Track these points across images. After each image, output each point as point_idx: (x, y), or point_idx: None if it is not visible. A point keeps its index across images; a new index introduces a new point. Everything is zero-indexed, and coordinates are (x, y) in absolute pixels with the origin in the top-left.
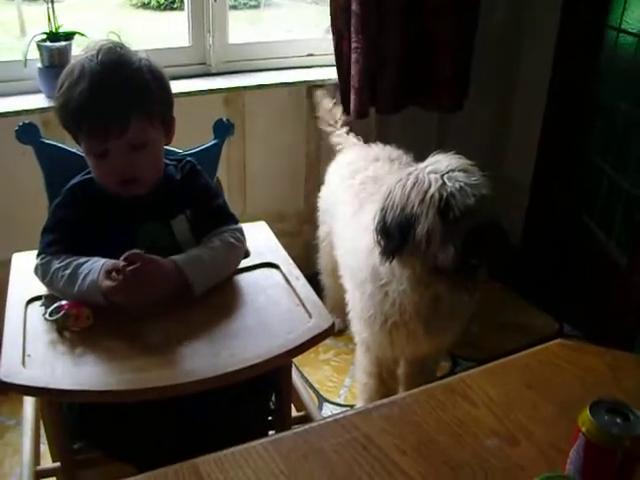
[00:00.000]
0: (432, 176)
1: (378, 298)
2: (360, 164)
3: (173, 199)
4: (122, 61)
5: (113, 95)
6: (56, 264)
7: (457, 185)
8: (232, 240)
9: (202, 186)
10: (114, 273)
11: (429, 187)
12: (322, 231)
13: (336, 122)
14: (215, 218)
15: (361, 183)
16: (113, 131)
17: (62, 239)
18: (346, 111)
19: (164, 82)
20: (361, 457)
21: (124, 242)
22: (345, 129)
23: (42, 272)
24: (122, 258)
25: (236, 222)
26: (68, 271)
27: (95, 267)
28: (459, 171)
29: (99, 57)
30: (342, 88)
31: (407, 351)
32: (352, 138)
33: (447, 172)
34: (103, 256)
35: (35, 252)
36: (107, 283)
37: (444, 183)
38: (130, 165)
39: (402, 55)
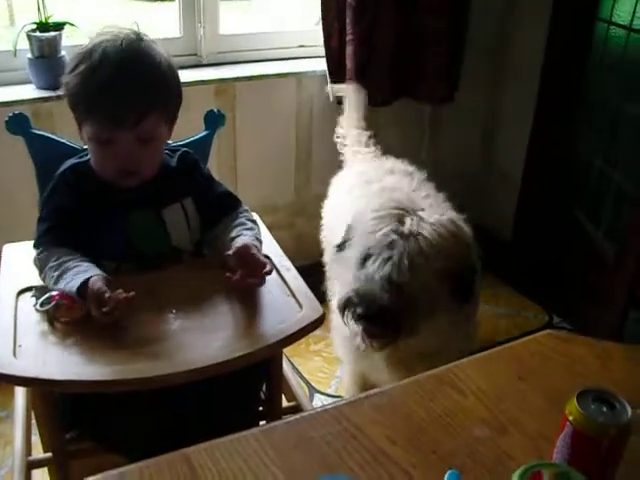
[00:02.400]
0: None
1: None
2: (372, 174)
3: (168, 188)
4: (145, 53)
5: (134, 87)
6: (50, 262)
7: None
8: (254, 222)
9: (205, 175)
10: (106, 308)
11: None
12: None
13: (361, 129)
14: (226, 205)
15: (379, 192)
16: (127, 122)
17: (56, 226)
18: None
19: (179, 80)
20: (351, 447)
21: (114, 228)
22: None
23: (39, 267)
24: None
25: (241, 204)
26: (56, 273)
27: (79, 279)
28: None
29: (122, 45)
30: (332, 80)
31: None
32: (366, 149)
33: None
34: (96, 242)
35: (26, 243)
36: (95, 313)
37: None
38: (133, 157)
39: (394, 47)
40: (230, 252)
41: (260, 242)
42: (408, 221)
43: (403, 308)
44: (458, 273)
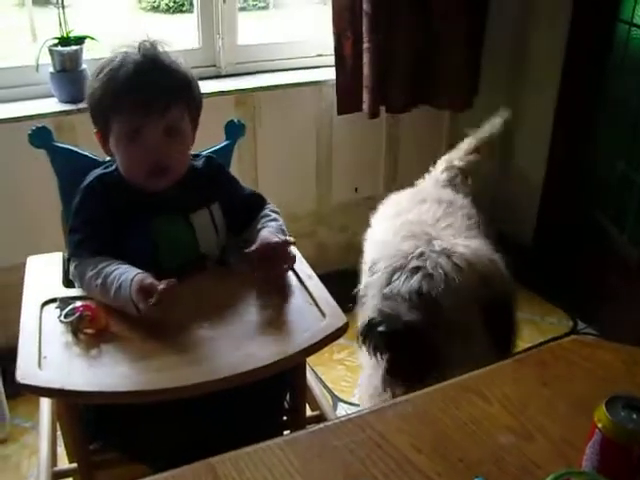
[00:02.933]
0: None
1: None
2: (404, 205)
3: (195, 192)
4: (163, 57)
5: (158, 78)
6: (89, 272)
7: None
8: (277, 213)
9: (230, 179)
10: (153, 299)
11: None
12: None
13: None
14: (253, 205)
15: (400, 226)
16: (156, 107)
17: (88, 237)
18: (342, 111)
19: (199, 85)
20: (376, 455)
21: (143, 234)
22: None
23: (78, 279)
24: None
25: (267, 201)
26: (100, 281)
27: (124, 281)
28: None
29: (140, 50)
30: (341, 88)
31: None
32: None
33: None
34: (123, 249)
35: (49, 255)
36: (143, 306)
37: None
38: (162, 149)
39: (412, 54)
40: (250, 249)
41: (284, 232)
42: (437, 241)
43: (436, 328)
44: (494, 303)
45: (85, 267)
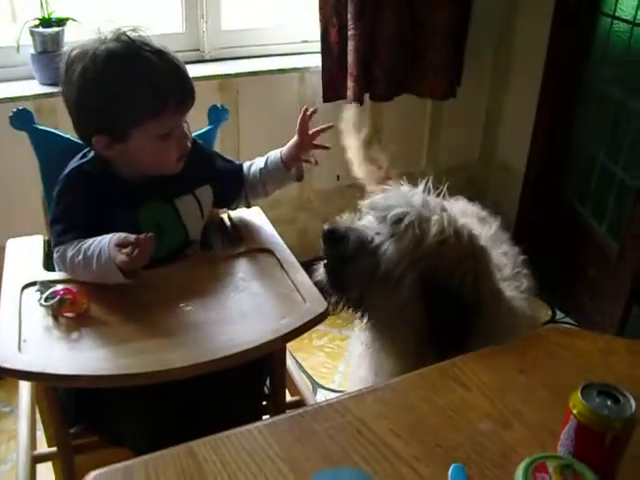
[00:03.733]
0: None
1: None
2: None
3: (179, 177)
4: (149, 41)
5: (180, 69)
6: (69, 253)
7: None
8: None
9: (210, 152)
10: (128, 249)
11: None
12: None
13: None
14: (234, 171)
15: None
16: (191, 103)
17: (72, 226)
18: (327, 98)
19: None
20: (355, 441)
21: (128, 223)
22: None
23: (62, 263)
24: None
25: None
26: (80, 257)
27: (103, 246)
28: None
29: (129, 43)
30: (327, 75)
31: None
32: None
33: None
34: None
35: (30, 237)
36: (121, 257)
37: None
38: (187, 138)
39: (396, 42)
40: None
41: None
42: (437, 200)
43: (362, 252)
44: (448, 295)
45: (66, 250)
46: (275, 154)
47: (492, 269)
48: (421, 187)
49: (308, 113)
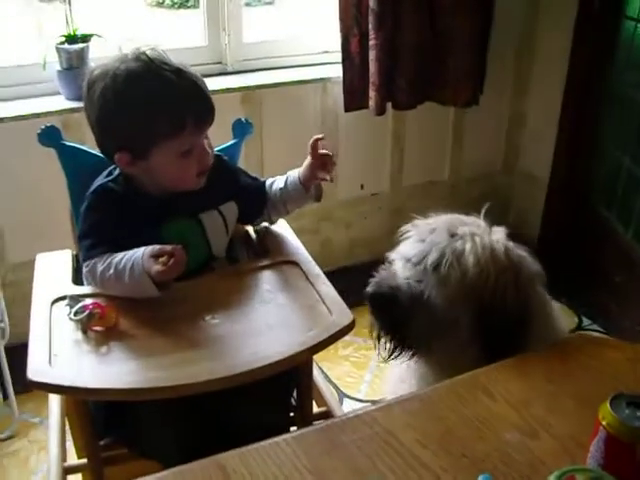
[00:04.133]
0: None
1: None
2: None
3: (203, 192)
4: (169, 60)
5: (198, 86)
6: (100, 267)
7: None
8: None
9: (235, 168)
10: (164, 258)
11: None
12: None
13: None
14: (258, 188)
15: None
16: (210, 121)
17: (100, 241)
18: (349, 107)
19: None
20: (383, 452)
21: (153, 238)
22: None
23: (92, 278)
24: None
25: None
26: (112, 271)
27: (136, 259)
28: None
29: (145, 61)
30: (348, 85)
31: None
32: None
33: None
34: None
35: (59, 252)
36: (157, 267)
37: None
38: (209, 155)
39: (418, 51)
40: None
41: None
42: (466, 227)
43: (415, 303)
44: (498, 314)
45: (96, 265)
46: (294, 175)
47: (533, 275)
48: (437, 219)
49: (319, 138)
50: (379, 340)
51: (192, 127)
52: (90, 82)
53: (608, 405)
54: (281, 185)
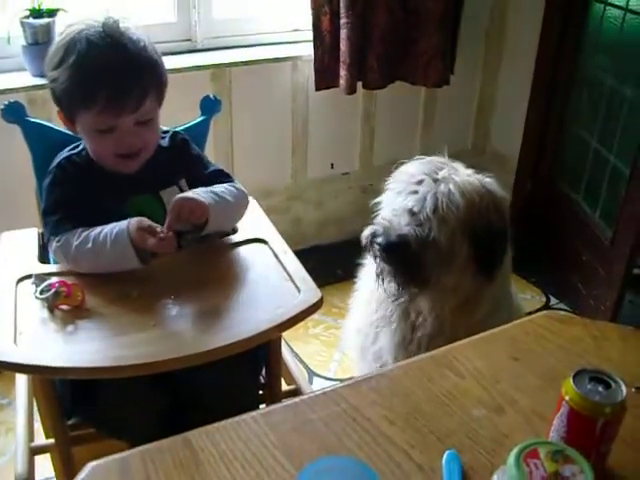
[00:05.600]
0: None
1: None
2: None
3: (164, 170)
4: (128, 37)
5: (129, 72)
6: (74, 242)
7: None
8: (237, 188)
9: (195, 155)
10: (161, 233)
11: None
12: None
13: None
14: (214, 180)
15: None
16: (129, 106)
17: (67, 216)
18: (320, 86)
19: (163, 61)
20: (350, 428)
21: (115, 215)
22: None
23: (63, 253)
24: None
25: (233, 180)
26: (90, 245)
27: (120, 231)
28: None
29: (105, 31)
30: (319, 64)
31: None
32: None
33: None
34: None
35: (24, 230)
36: (153, 241)
37: None
38: (133, 139)
39: (389, 30)
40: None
41: (217, 196)
42: (444, 170)
43: (422, 245)
44: (486, 235)
45: (68, 240)
46: None
47: (504, 196)
48: (415, 168)
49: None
50: (384, 282)
51: (104, 105)
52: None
53: (571, 381)
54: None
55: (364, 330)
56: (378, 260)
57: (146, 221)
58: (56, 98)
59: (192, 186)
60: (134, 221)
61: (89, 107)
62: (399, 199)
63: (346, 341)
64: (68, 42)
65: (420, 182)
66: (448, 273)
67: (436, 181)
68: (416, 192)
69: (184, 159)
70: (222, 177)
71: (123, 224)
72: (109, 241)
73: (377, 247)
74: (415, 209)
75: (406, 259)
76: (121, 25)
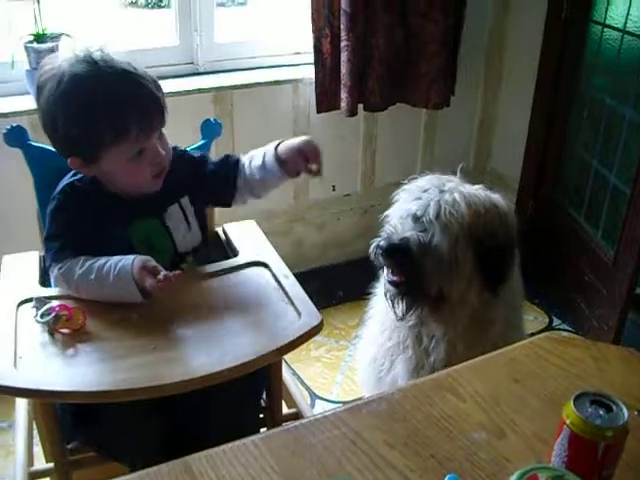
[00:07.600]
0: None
1: None
2: None
3: (164, 189)
4: (118, 60)
5: (141, 89)
6: (78, 271)
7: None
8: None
9: (198, 157)
10: (160, 275)
11: None
12: None
13: None
14: (226, 167)
15: None
16: (157, 120)
17: (70, 243)
18: (321, 109)
19: None
20: (350, 452)
21: (121, 238)
22: None
23: (65, 280)
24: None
25: (236, 155)
26: (93, 275)
27: (125, 266)
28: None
29: (96, 63)
30: (320, 86)
31: None
32: None
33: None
34: (100, 255)
35: (25, 254)
36: (151, 282)
37: None
38: (163, 154)
39: (390, 52)
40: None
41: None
42: (451, 183)
43: (424, 250)
44: (491, 248)
45: (71, 268)
46: (270, 153)
47: (510, 210)
48: (424, 181)
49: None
50: (392, 302)
51: (137, 131)
52: (39, 85)
53: (572, 404)
54: (259, 163)
55: (379, 360)
56: (384, 282)
57: (151, 262)
58: (69, 149)
59: (195, 200)
60: (138, 260)
61: (123, 139)
62: (404, 206)
63: (362, 373)
64: (62, 91)
65: (426, 190)
66: (451, 283)
67: (442, 191)
68: (421, 199)
69: (184, 170)
70: (229, 160)
71: (128, 260)
72: (112, 275)
73: (379, 251)
74: (418, 213)
75: (408, 263)
76: (104, 51)
